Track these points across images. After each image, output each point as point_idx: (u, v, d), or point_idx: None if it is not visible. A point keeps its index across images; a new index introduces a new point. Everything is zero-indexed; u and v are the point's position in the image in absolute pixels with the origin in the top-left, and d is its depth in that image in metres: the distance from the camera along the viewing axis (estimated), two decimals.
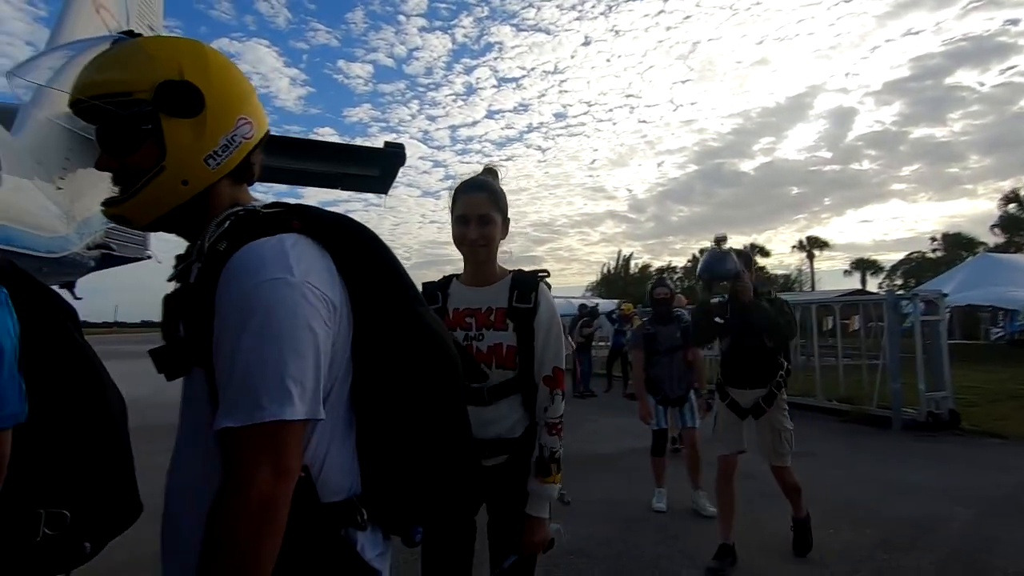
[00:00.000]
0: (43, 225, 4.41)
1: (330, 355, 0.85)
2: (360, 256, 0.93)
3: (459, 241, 1.65)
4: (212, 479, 0.77)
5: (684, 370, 4.47)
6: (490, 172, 1.76)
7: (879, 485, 4.79)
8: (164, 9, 8.20)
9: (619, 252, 57.77)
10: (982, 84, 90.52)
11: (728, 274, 3.25)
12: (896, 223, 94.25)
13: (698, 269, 3.47)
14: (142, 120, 0.87)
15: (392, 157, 6.63)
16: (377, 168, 6.94)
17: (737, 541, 3.30)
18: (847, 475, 5.15)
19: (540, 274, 1.71)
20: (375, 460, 0.92)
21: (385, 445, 0.92)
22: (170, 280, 0.94)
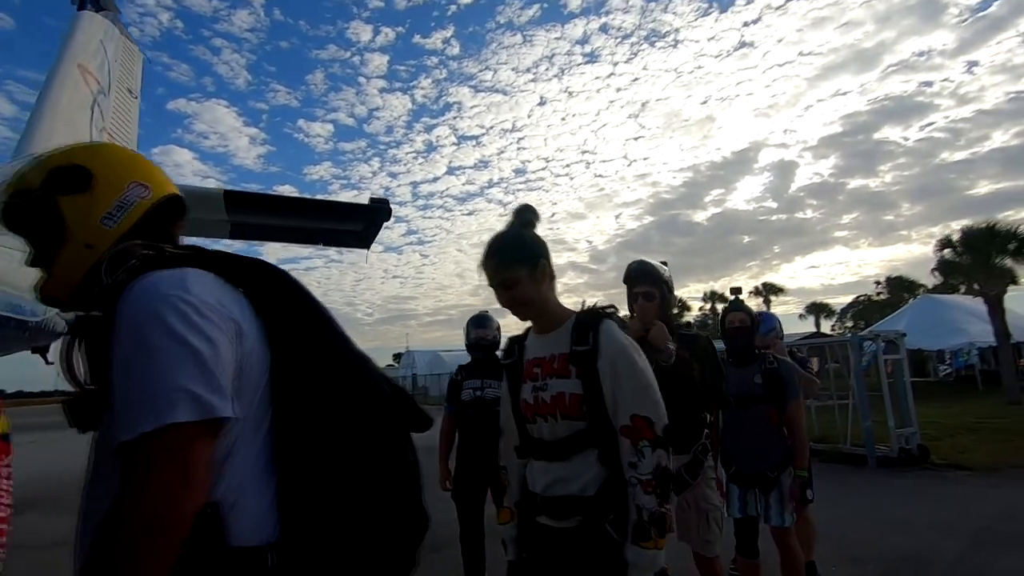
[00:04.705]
0: (26, 288, 4.27)
1: (235, 373, 0.82)
2: (276, 295, 0.93)
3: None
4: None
5: (770, 435, 2.95)
6: (519, 214, 1.61)
7: (869, 522, 4.91)
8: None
9: (583, 302, 57.60)
10: (906, 139, 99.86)
11: (652, 277, 2.49)
12: (841, 268, 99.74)
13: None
14: (41, 204, 0.94)
15: (377, 212, 6.79)
16: (361, 223, 7.05)
17: None
18: (837, 513, 5.23)
19: (606, 310, 1.56)
20: (295, 506, 0.85)
21: (305, 490, 0.86)
22: (68, 334, 0.91)
